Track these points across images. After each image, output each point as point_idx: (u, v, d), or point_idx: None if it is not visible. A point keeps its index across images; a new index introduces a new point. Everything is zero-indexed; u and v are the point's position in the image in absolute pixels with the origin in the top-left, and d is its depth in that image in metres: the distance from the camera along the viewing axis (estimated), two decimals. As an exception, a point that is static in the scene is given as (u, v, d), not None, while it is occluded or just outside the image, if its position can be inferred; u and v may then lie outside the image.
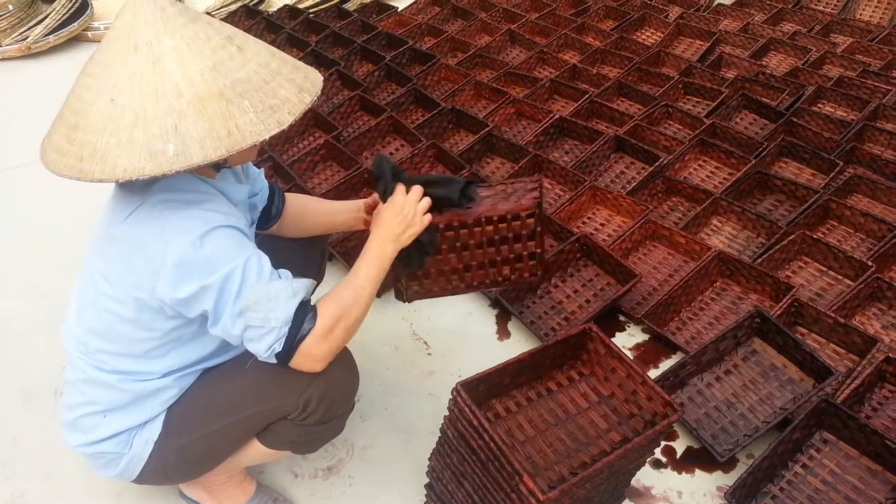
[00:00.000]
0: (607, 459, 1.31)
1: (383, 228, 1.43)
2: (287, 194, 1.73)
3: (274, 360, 1.29)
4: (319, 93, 1.29)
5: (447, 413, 1.43)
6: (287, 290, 1.27)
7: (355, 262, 1.42)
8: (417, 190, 1.46)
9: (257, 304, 1.24)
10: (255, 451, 1.51)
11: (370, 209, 1.67)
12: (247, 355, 1.36)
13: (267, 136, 1.18)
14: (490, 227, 1.56)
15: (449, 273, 1.59)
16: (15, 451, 1.87)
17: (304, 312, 1.28)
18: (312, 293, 1.35)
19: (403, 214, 1.43)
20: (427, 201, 1.47)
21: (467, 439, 1.36)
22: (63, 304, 2.30)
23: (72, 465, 1.80)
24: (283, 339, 1.26)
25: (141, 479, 1.49)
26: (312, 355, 1.30)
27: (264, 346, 1.26)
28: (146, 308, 1.29)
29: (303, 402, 1.38)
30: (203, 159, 1.13)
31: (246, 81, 1.19)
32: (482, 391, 1.47)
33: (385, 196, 1.47)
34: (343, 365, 1.40)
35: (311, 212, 1.75)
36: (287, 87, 1.24)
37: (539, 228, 1.58)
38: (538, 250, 1.60)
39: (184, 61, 1.15)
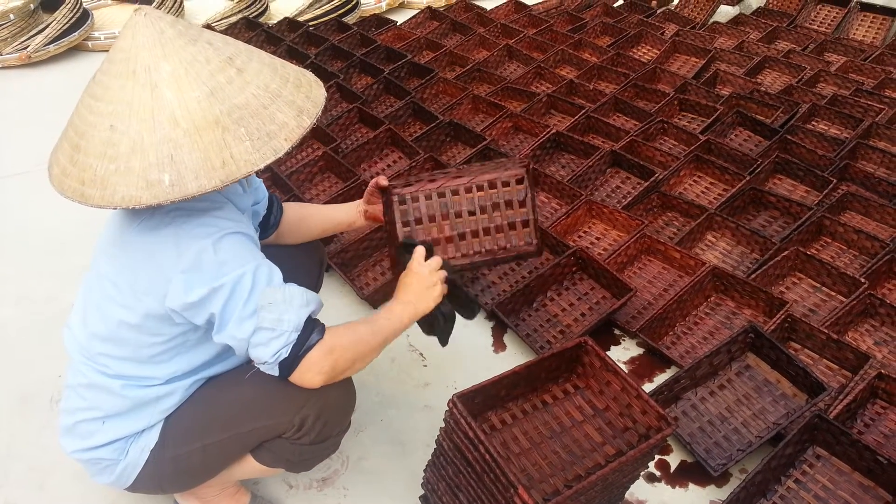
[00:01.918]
0: (601, 472, 1.31)
1: (401, 291, 1.48)
2: (284, 203, 1.75)
3: (276, 371, 1.28)
4: (320, 112, 1.28)
5: (443, 425, 1.44)
6: (302, 296, 1.28)
7: (383, 311, 1.44)
8: (437, 259, 1.51)
9: (272, 305, 1.24)
10: (250, 465, 1.51)
11: (371, 194, 1.71)
12: (246, 367, 1.36)
13: (262, 165, 1.18)
14: (481, 193, 1.59)
15: (445, 242, 1.62)
16: (8, 458, 1.86)
17: (313, 325, 1.29)
18: (320, 309, 1.36)
19: (422, 278, 1.48)
20: (443, 273, 1.51)
21: (463, 451, 1.37)
22: (60, 312, 2.32)
23: (66, 472, 1.80)
24: (291, 345, 1.25)
25: (135, 487, 1.49)
26: (314, 368, 1.28)
27: (271, 351, 1.25)
28: (153, 314, 1.29)
29: (298, 420, 1.38)
30: (198, 190, 1.14)
31: (244, 107, 1.18)
32: (478, 403, 1.48)
33: (404, 261, 1.52)
34: (340, 384, 1.39)
35: (309, 216, 1.76)
36: (286, 111, 1.23)
37: (529, 194, 1.60)
38: (530, 217, 1.61)
39: (181, 88, 1.15)
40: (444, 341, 1.56)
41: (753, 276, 2.32)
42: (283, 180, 2.75)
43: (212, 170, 1.15)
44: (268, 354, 1.26)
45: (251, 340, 1.26)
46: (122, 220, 1.32)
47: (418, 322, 1.50)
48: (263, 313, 1.24)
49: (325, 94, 1.32)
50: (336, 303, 2.37)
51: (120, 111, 1.15)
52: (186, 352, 1.39)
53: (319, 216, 1.77)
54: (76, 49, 4.32)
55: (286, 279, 1.34)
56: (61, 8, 4.19)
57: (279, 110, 1.22)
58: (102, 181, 1.15)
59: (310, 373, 1.29)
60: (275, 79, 1.25)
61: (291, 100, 1.25)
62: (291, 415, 1.38)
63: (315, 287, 1.85)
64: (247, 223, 1.35)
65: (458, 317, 1.56)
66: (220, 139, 1.16)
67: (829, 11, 4.73)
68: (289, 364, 1.27)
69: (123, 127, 1.14)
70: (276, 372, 1.28)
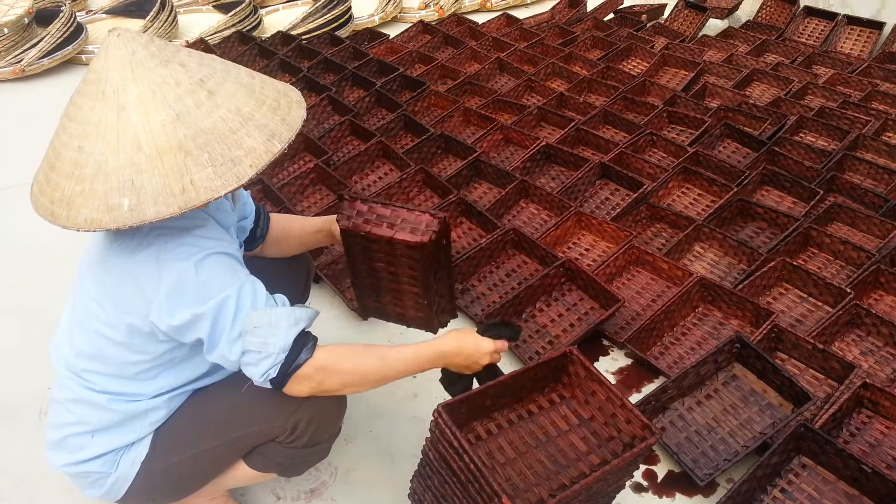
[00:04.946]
0: (586, 481, 1.32)
1: (452, 352, 1.47)
2: (271, 214, 1.76)
3: (268, 386, 1.31)
4: (293, 137, 1.25)
5: (429, 435, 1.45)
6: (289, 317, 1.28)
7: (407, 348, 1.43)
8: (501, 346, 1.54)
9: (257, 329, 1.25)
10: (241, 472, 1.52)
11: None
12: (238, 378, 1.37)
13: (223, 193, 1.16)
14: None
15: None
16: (-3, 471, 1.86)
17: (304, 342, 1.30)
18: (313, 321, 1.37)
19: (475, 362, 1.51)
20: (498, 356, 1.55)
21: (448, 461, 1.38)
22: (51, 324, 2.30)
23: (54, 486, 1.80)
24: (279, 365, 1.28)
25: (126, 500, 1.49)
26: (303, 383, 1.32)
27: (260, 371, 1.28)
28: (137, 333, 1.31)
29: (291, 424, 1.40)
30: (155, 216, 1.13)
31: (210, 131, 1.17)
32: (463, 413, 1.49)
33: (491, 333, 1.53)
34: None
35: (290, 233, 1.77)
36: (255, 136, 1.20)
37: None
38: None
39: (147, 111, 1.14)
40: (454, 394, 1.59)
41: (740, 286, 2.34)
42: (274, 192, 2.77)
43: (170, 196, 1.14)
44: (257, 374, 1.29)
45: (241, 361, 1.28)
46: (105, 238, 1.33)
47: (442, 372, 1.57)
48: (249, 337, 1.25)
49: (304, 115, 1.30)
50: (325, 315, 2.37)
51: (88, 132, 1.15)
52: (172, 368, 1.40)
53: (298, 236, 1.78)
54: (70, 62, 4.33)
55: (273, 290, 1.35)
56: (55, 21, 4.21)
57: (248, 135, 1.20)
58: (69, 202, 1.16)
59: (299, 386, 1.32)
60: (249, 101, 1.23)
61: (264, 123, 1.22)
62: (285, 419, 1.39)
63: (302, 297, 1.86)
64: (229, 241, 1.35)
65: None
66: (182, 164, 1.15)
67: (816, 25, 4.78)
68: (279, 381, 1.30)
69: (90, 149, 1.15)
70: (267, 386, 1.31)
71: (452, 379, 1.58)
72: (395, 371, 1.41)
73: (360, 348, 1.38)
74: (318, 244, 1.78)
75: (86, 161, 1.15)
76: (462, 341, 1.48)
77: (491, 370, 1.57)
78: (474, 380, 1.58)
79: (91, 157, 1.15)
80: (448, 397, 1.51)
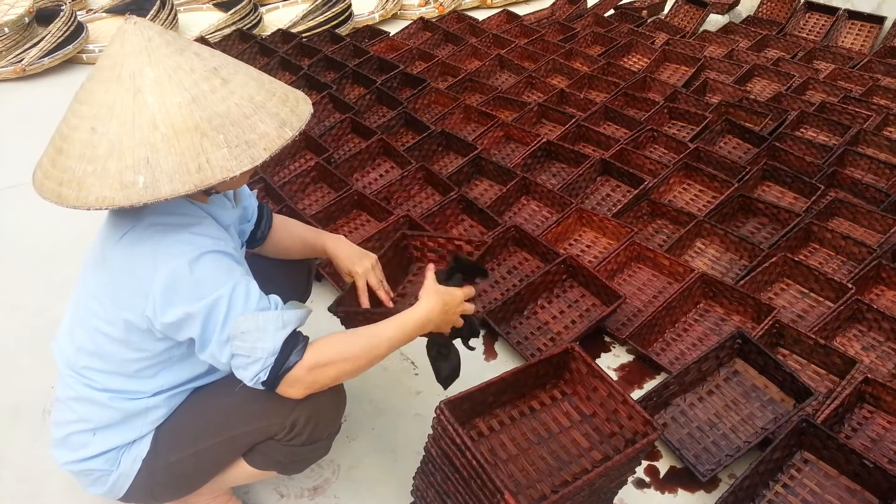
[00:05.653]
0: (588, 477, 1.33)
1: (437, 309, 1.47)
2: (274, 217, 1.76)
3: (260, 387, 1.31)
4: (304, 126, 1.28)
5: (431, 432, 1.45)
6: (276, 321, 1.28)
7: (393, 322, 1.42)
8: (469, 291, 1.53)
9: (245, 335, 1.25)
10: (242, 470, 1.52)
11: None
12: (236, 377, 1.38)
13: (238, 173, 1.18)
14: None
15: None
16: (0, 469, 1.87)
17: (294, 343, 1.30)
18: (305, 320, 1.36)
19: (454, 313, 1.50)
20: (471, 307, 1.54)
21: (450, 457, 1.38)
22: (53, 323, 2.31)
23: (57, 483, 1.80)
24: (269, 368, 1.27)
25: (128, 497, 1.50)
26: (295, 386, 1.31)
27: (249, 375, 1.28)
28: (135, 329, 1.31)
29: (290, 423, 1.40)
30: (171, 193, 1.14)
31: (225, 115, 1.19)
32: (465, 409, 1.49)
33: (453, 282, 1.53)
34: (330, 388, 1.41)
35: (290, 248, 1.77)
36: (268, 122, 1.23)
37: None
38: None
39: (163, 93, 1.16)
40: (445, 378, 1.60)
41: (742, 282, 2.34)
42: (275, 191, 2.77)
43: (186, 174, 1.15)
44: (247, 377, 1.29)
45: (231, 364, 1.28)
46: (105, 235, 1.33)
47: (429, 346, 1.56)
48: (237, 342, 1.25)
49: (312, 110, 1.33)
50: (327, 313, 2.37)
51: (102, 114, 1.16)
52: (171, 367, 1.40)
53: (297, 249, 1.78)
54: (71, 62, 4.34)
55: (273, 289, 1.35)
56: (56, 21, 4.21)
57: (261, 121, 1.23)
58: (79, 182, 1.16)
59: (291, 389, 1.32)
60: (260, 92, 1.26)
61: (275, 112, 1.25)
62: (283, 417, 1.39)
63: (303, 296, 1.86)
64: (227, 239, 1.35)
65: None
66: (198, 144, 1.16)
67: (817, 20, 4.78)
68: (270, 383, 1.30)
69: (104, 129, 1.16)
70: (259, 388, 1.31)
71: (441, 350, 1.57)
72: (388, 347, 1.40)
73: (347, 336, 1.37)
74: (314, 254, 1.79)
75: (99, 142, 1.16)
76: (439, 295, 1.47)
77: (471, 326, 1.58)
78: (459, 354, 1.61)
79: (105, 138, 1.15)
80: (449, 391, 1.51)
